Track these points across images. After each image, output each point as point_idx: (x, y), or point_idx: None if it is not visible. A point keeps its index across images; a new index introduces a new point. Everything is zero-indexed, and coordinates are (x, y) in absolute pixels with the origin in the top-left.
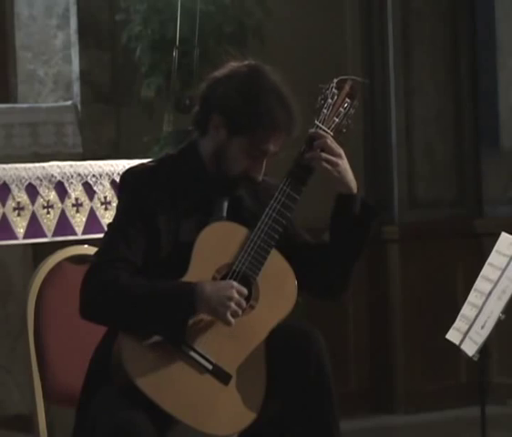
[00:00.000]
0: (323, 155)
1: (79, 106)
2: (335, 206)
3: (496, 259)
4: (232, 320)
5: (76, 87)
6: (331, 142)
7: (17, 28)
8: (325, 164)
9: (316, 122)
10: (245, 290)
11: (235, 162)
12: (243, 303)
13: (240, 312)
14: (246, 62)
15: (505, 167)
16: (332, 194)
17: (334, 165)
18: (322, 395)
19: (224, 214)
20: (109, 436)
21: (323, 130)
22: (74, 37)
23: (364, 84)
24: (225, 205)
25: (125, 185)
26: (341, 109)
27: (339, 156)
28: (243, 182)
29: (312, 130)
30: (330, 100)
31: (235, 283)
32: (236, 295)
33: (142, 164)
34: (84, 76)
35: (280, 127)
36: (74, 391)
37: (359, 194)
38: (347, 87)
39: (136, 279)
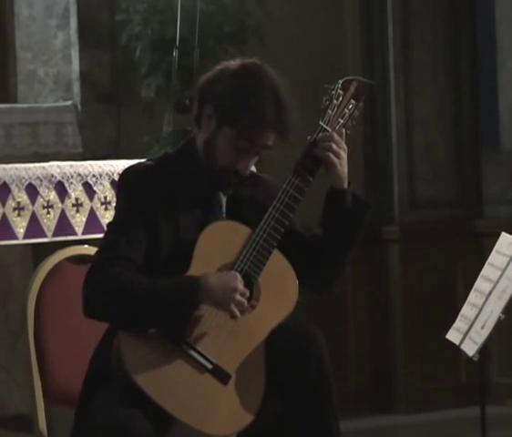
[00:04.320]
0: (334, 146)
1: (79, 106)
2: (327, 200)
3: (496, 259)
4: (237, 311)
5: (76, 87)
6: (338, 137)
7: (17, 28)
8: (333, 157)
9: (321, 122)
10: (247, 291)
11: (223, 153)
12: (247, 293)
13: (245, 303)
14: (251, 59)
15: (505, 168)
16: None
17: (341, 158)
18: (322, 395)
19: (223, 210)
20: (108, 436)
21: (327, 131)
22: (74, 37)
23: (371, 85)
24: (223, 201)
25: (123, 184)
26: (345, 110)
27: (344, 150)
28: (232, 177)
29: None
30: (335, 101)
31: (239, 275)
32: (240, 286)
33: (140, 163)
34: (84, 76)
35: (268, 123)
36: (74, 391)
37: (350, 188)
38: (352, 88)
39: (138, 277)
